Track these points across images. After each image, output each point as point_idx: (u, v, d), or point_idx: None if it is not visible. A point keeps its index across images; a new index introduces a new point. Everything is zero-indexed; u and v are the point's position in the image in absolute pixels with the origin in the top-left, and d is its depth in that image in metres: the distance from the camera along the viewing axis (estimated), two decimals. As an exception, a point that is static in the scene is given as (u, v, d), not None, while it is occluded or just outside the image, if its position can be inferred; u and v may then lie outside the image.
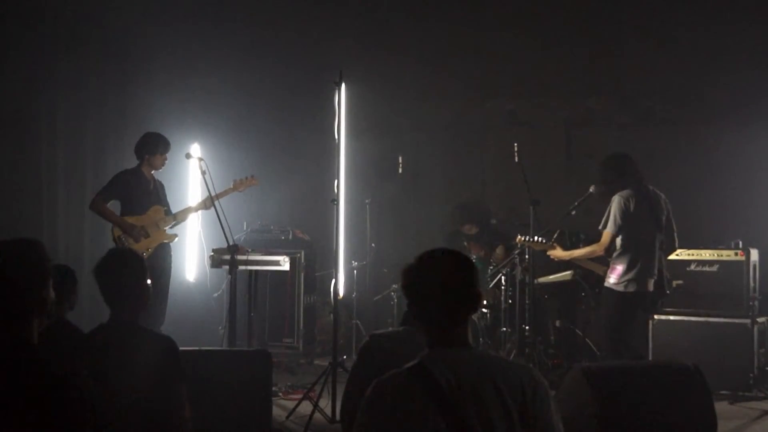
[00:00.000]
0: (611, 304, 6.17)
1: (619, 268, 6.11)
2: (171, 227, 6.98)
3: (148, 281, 3.59)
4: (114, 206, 6.84)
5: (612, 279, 6.14)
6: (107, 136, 8.28)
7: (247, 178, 7.14)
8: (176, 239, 7.07)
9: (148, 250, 6.66)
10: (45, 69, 7.51)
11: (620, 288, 6.10)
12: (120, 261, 3.59)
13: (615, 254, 6.18)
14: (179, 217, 7.00)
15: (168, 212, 6.97)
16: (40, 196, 7.47)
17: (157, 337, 3.55)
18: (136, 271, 3.56)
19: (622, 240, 6.15)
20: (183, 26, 8.64)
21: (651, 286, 6.14)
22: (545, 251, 6.66)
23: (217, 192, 6.74)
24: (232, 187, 7.07)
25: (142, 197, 6.81)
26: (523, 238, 6.72)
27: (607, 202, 6.24)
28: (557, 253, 6.53)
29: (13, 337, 2.38)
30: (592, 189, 6.52)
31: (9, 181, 7.11)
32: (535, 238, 6.64)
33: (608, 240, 6.14)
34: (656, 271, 6.17)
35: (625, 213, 6.09)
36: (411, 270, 2.60)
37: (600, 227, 6.20)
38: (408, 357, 3.54)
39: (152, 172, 6.95)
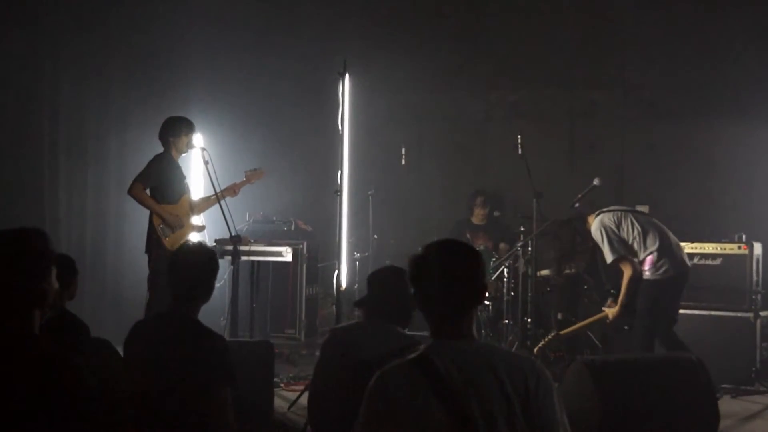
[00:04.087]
0: (650, 295, 5.94)
1: (650, 258, 5.95)
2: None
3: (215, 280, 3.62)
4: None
5: (648, 272, 5.97)
6: (110, 128, 8.27)
7: (255, 170, 6.98)
8: (204, 230, 6.82)
9: (183, 239, 6.38)
10: (48, 59, 7.50)
11: (659, 276, 5.92)
12: (200, 257, 3.58)
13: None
14: (201, 208, 6.75)
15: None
16: (42, 185, 7.46)
17: (212, 336, 3.46)
18: (212, 269, 3.58)
19: (635, 246, 6.03)
20: (187, 17, 8.62)
21: (687, 261, 6.02)
22: (608, 317, 6.24)
23: (234, 183, 6.70)
24: (245, 179, 6.88)
25: (175, 185, 6.49)
26: (536, 348, 6.42)
27: (590, 238, 6.18)
28: (614, 311, 6.12)
29: (14, 328, 2.37)
30: (596, 181, 6.50)
31: (11, 171, 7.11)
32: (545, 338, 6.42)
33: (629, 263, 5.95)
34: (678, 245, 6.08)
35: (613, 232, 5.98)
36: (418, 259, 2.59)
37: (609, 262, 6.02)
38: (365, 348, 3.58)
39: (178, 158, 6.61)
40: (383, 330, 3.78)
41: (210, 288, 3.57)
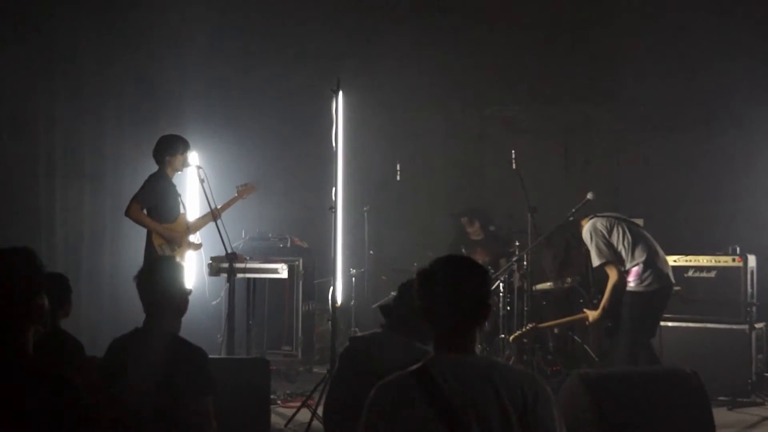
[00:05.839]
0: (633, 306, 5.94)
1: (636, 269, 5.96)
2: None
3: (189, 290, 3.67)
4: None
5: (632, 283, 5.98)
6: (105, 144, 8.28)
7: (246, 184, 7.06)
8: (201, 248, 6.83)
9: (181, 258, 6.41)
10: (42, 78, 7.50)
11: (642, 288, 5.93)
12: (164, 269, 3.63)
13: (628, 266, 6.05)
14: (197, 226, 6.77)
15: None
16: (38, 203, 7.46)
17: (189, 348, 3.50)
18: (179, 279, 3.61)
19: (623, 254, 6.03)
20: (181, 34, 8.65)
21: (672, 277, 6.05)
22: (588, 321, 6.27)
23: (226, 201, 6.72)
24: (237, 195, 6.96)
25: (172, 205, 6.51)
26: (512, 337, 6.53)
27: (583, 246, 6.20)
28: (594, 314, 6.15)
29: (7, 347, 2.37)
30: (589, 195, 6.51)
31: (6, 187, 7.10)
32: (522, 329, 6.49)
33: (615, 269, 5.97)
34: (665, 260, 6.10)
35: (603, 236, 6.01)
36: (425, 271, 2.61)
37: (595, 265, 6.06)
38: (385, 358, 3.57)
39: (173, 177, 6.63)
40: (402, 343, 3.78)
41: (176, 301, 3.58)
